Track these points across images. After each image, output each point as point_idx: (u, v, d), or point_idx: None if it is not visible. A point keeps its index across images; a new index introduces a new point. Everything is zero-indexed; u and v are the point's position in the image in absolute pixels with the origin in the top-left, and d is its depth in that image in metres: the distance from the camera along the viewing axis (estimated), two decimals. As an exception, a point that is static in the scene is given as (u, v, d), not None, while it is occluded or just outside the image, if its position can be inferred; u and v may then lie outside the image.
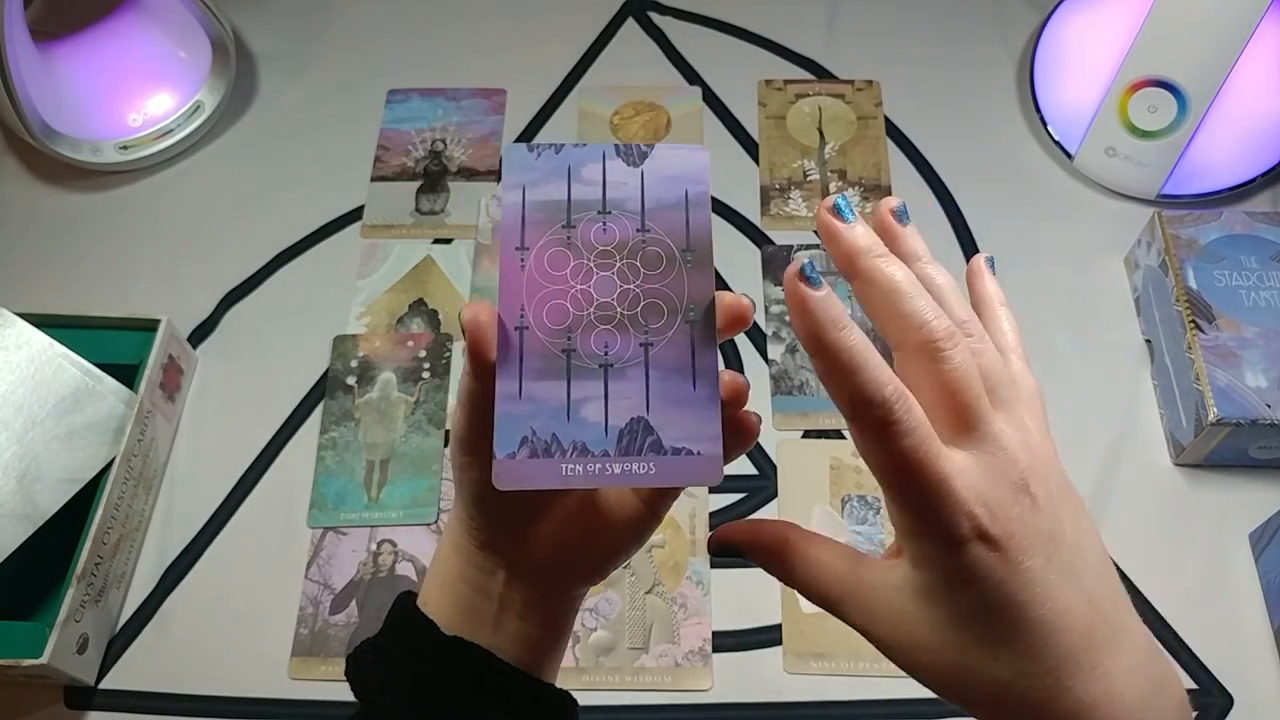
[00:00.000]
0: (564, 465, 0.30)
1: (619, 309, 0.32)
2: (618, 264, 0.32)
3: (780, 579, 0.32)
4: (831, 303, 0.28)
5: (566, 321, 0.32)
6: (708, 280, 0.32)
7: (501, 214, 0.33)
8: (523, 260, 0.32)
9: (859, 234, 0.30)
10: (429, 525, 0.66)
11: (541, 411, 0.31)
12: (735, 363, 0.72)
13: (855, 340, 0.28)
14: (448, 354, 0.73)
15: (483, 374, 0.31)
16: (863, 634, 0.31)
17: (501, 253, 0.33)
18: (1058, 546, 0.28)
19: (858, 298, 0.30)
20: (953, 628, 0.28)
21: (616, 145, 0.33)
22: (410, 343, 0.73)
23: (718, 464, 0.30)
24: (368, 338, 0.73)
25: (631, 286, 0.32)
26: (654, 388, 0.31)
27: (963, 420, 0.28)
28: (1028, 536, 0.28)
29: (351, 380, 0.72)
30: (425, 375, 0.72)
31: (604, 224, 0.33)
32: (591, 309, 0.32)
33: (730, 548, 0.34)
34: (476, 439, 0.32)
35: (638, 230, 0.33)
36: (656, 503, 0.36)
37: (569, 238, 0.33)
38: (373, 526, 0.66)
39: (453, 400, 0.68)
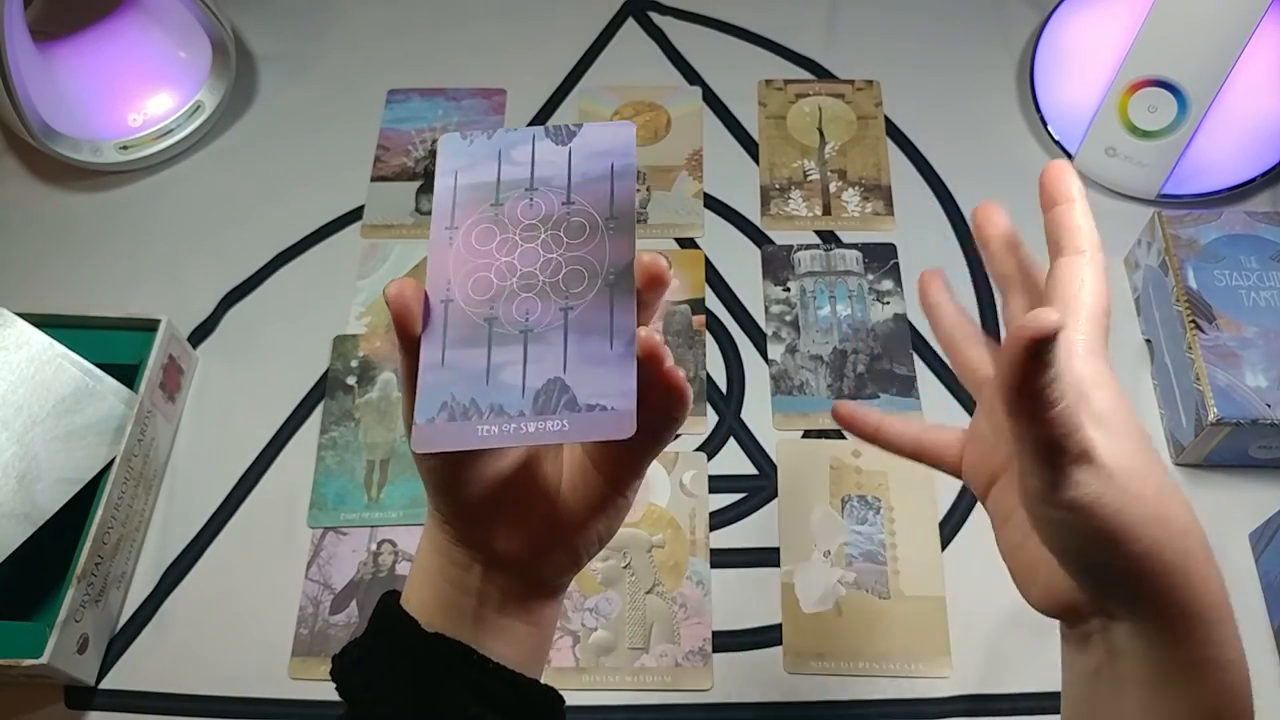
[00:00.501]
0: (480, 426, 0.30)
1: (541, 277, 0.32)
2: (542, 235, 0.33)
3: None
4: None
5: (490, 292, 0.32)
6: (628, 244, 0.32)
7: (434, 199, 0.34)
8: (451, 238, 0.33)
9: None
10: (429, 525, 0.66)
11: (462, 378, 0.31)
12: (735, 362, 0.72)
13: None
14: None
15: (409, 347, 0.32)
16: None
17: (432, 233, 0.33)
18: None
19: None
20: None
21: (546, 127, 0.34)
22: (410, 343, 0.73)
23: (630, 418, 0.30)
24: (368, 338, 0.73)
25: (555, 255, 0.33)
26: (572, 349, 0.31)
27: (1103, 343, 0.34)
28: None
29: (351, 380, 0.72)
30: (425, 375, 0.72)
31: (531, 200, 0.34)
32: (515, 279, 0.32)
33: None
34: None
35: (563, 203, 0.33)
36: (619, 479, 0.35)
37: (497, 215, 0.33)
38: (373, 526, 0.66)
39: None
